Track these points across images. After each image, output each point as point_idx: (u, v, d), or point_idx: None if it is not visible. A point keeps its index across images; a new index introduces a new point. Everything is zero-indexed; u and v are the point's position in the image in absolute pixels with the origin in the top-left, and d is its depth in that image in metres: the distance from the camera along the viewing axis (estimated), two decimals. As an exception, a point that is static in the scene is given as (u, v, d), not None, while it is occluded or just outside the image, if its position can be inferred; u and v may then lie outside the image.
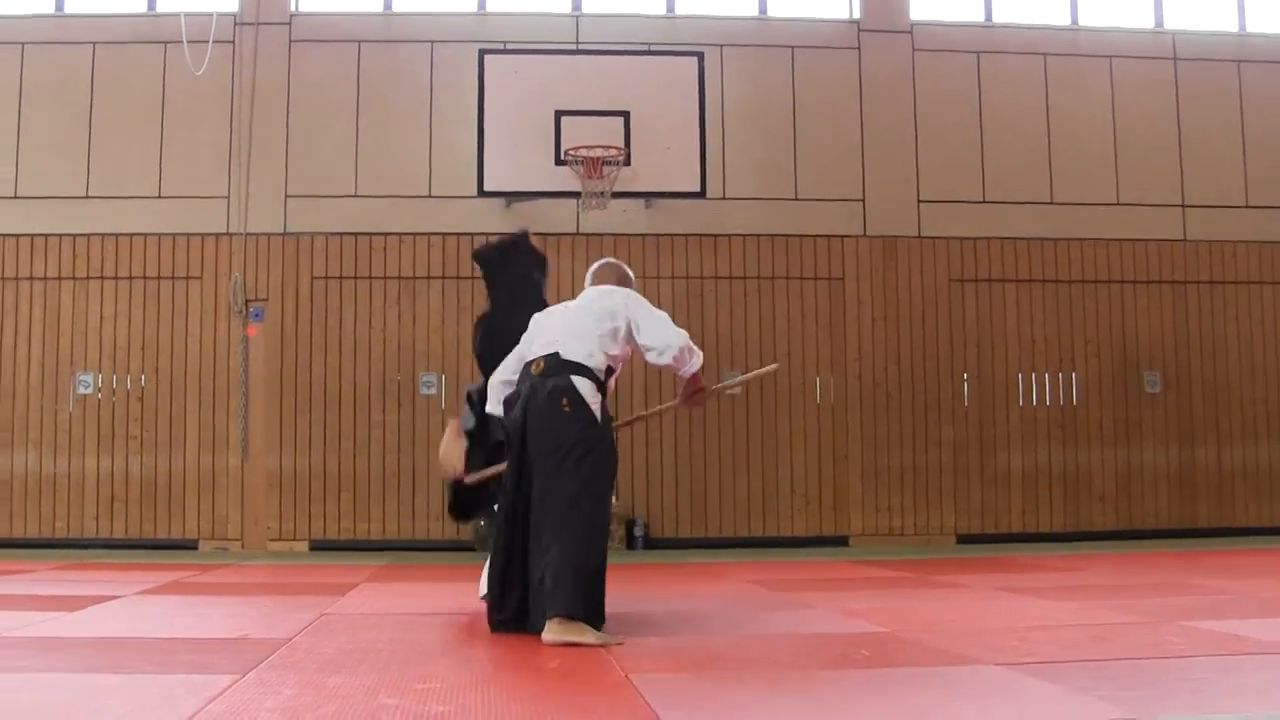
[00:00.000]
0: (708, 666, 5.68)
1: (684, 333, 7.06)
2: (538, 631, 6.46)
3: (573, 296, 7.57)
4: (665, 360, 7.03)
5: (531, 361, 7.03)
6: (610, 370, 7.05)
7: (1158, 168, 16.50)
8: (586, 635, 6.36)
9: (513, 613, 6.81)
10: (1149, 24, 16.93)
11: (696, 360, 7.09)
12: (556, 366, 6.90)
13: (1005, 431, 16.04)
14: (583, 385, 6.84)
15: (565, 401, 6.80)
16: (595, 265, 7.72)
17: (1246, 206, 16.57)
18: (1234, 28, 17.11)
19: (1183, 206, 16.44)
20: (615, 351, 7.05)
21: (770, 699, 4.82)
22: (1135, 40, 16.81)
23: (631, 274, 7.70)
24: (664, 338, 7.03)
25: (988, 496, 15.93)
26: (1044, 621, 7.20)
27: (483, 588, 7.55)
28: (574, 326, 7.06)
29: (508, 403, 7.16)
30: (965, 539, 15.71)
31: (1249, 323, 16.50)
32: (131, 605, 8.49)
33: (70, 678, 5.24)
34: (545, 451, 6.77)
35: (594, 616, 6.55)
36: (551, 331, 7.10)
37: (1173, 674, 5.25)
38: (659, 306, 7.21)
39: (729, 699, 4.83)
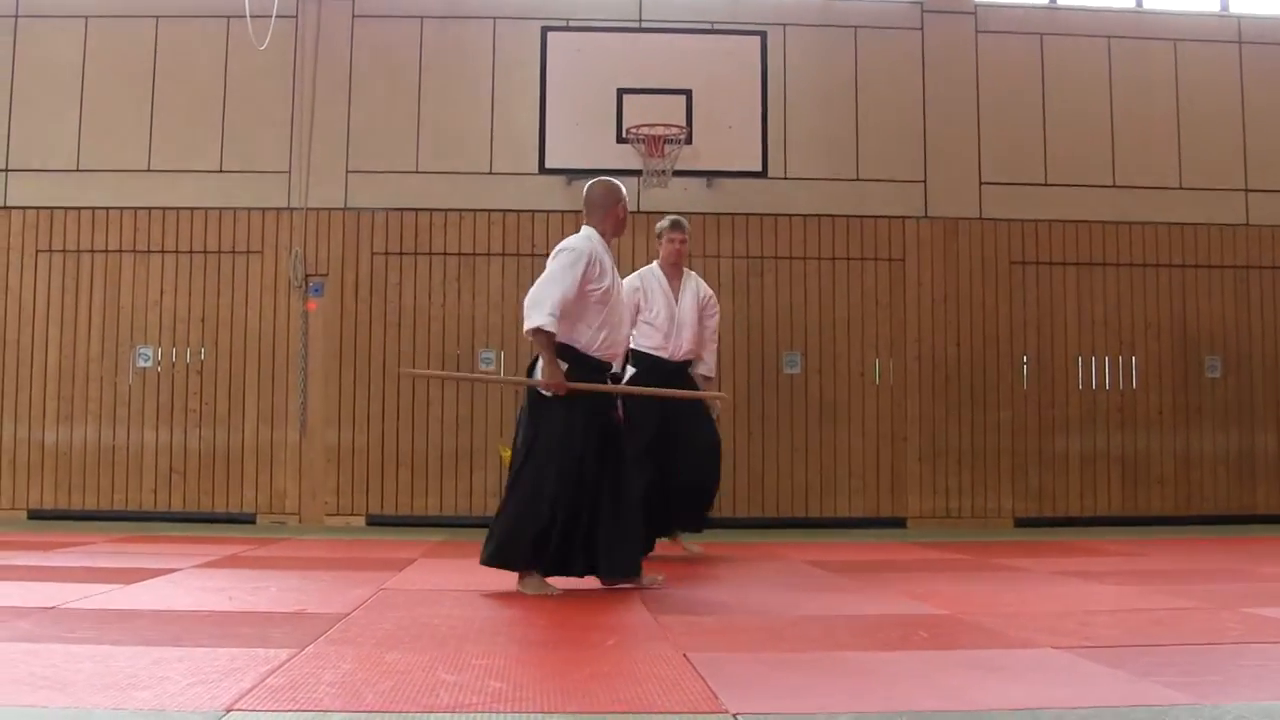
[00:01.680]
0: (765, 646, 5.68)
1: (541, 293, 7.34)
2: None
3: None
4: None
5: None
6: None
7: (1221, 152, 16.31)
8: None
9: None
10: (1214, 7, 16.74)
11: (527, 322, 7.36)
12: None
13: (1064, 414, 15.93)
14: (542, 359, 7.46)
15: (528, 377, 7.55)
16: None
17: (1311, 192, 16.41)
18: (1302, 11, 16.95)
19: (1246, 191, 16.26)
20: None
21: (828, 679, 4.81)
22: (1200, 23, 16.62)
23: (604, 194, 7.81)
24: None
25: (1046, 479, 15.83)
26: (1103, 606, 7.16)
27: None
28: None
29: None
30: (1023, 522, 15.62)
31: (1312, 308, 16.34)
32: (189, 578, 8.55)
33: (129, 649, 5.27)
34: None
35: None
36: None
37: (1235, 660, 5.20)
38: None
39: (787, 678, 4.81)
